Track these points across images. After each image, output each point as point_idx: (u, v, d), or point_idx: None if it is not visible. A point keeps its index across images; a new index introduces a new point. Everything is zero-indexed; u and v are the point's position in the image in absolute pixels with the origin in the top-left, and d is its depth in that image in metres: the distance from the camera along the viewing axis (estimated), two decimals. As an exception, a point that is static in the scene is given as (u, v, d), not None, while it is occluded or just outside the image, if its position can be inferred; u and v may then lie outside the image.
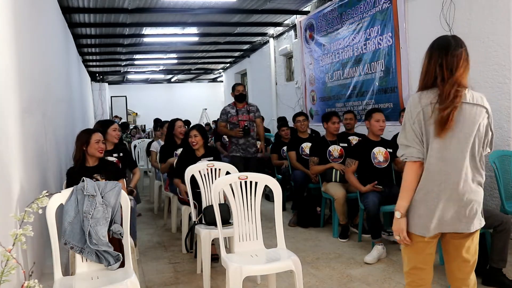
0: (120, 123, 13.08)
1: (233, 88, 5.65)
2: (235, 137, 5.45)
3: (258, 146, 5.64)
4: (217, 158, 4.16)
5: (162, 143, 5.84)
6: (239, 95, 5.51)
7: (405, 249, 2.02)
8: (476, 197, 1.89)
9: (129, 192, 3.97)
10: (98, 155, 3.21)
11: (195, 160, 4.03)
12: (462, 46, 1.90)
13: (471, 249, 1.95)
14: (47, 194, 1.09)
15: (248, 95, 12.73)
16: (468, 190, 1.87)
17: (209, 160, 4.02)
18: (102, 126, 4.13)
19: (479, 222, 1.92)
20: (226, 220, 3.29)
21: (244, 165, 5.33)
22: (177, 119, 5.15)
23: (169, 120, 5.57)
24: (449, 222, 1.89)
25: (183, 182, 3.78)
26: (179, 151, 4.62)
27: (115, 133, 4.13)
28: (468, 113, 1.87)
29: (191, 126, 4.37)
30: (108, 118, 13.05)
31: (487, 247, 3.21)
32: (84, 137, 3.21)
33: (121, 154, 4.25)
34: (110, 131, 4.08)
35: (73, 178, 3.03)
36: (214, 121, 12.83)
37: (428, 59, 1.94)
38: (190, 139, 4.11)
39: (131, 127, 12.95)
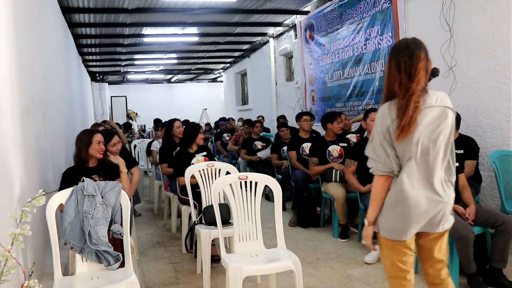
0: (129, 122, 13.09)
1: None
2: None
3: None
4: (209, 154, 4.30)
5: (163, 143, 5.83)
6: None
7: (385, 254, 2.00)
8: (446, 198, 1.89)
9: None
10: (98, 156, 3.19)
11: (190, 156, 4.18)
12: (422, 48, 1.87)
13: (442, 248, 2.00)
14: (43, 193, 1.09)
15: (249, 96, 12.62)
16: (437, 192, 1.86)
17: (203, 156, 4.20)
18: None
19: (448, 223, 1.94)
20: (226, 220, 3.29)
21: None
22: (175, 119, 5.09)
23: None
24: (421, 224, 1.90)
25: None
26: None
27: (114, 149, 3.80)
28: (433, 116, 1.84)
29: (194, 123, 4.48)
30: (108, 119, 13.02)
31: (487, 247, 3.21)
32: (86, 138, 3.20)
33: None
34: (109, 147, 3.72)
35: (71, 178, 3.02)
36: (215, 122, 12.81)
37: (388, 63, 1.91)
38: (200, 135, 4.28)
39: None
